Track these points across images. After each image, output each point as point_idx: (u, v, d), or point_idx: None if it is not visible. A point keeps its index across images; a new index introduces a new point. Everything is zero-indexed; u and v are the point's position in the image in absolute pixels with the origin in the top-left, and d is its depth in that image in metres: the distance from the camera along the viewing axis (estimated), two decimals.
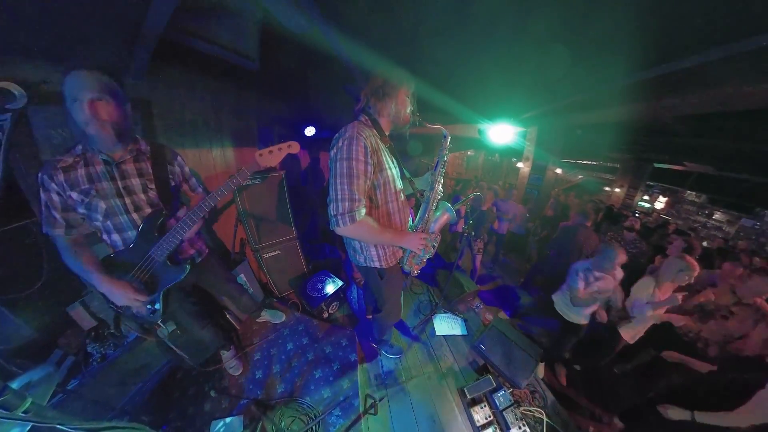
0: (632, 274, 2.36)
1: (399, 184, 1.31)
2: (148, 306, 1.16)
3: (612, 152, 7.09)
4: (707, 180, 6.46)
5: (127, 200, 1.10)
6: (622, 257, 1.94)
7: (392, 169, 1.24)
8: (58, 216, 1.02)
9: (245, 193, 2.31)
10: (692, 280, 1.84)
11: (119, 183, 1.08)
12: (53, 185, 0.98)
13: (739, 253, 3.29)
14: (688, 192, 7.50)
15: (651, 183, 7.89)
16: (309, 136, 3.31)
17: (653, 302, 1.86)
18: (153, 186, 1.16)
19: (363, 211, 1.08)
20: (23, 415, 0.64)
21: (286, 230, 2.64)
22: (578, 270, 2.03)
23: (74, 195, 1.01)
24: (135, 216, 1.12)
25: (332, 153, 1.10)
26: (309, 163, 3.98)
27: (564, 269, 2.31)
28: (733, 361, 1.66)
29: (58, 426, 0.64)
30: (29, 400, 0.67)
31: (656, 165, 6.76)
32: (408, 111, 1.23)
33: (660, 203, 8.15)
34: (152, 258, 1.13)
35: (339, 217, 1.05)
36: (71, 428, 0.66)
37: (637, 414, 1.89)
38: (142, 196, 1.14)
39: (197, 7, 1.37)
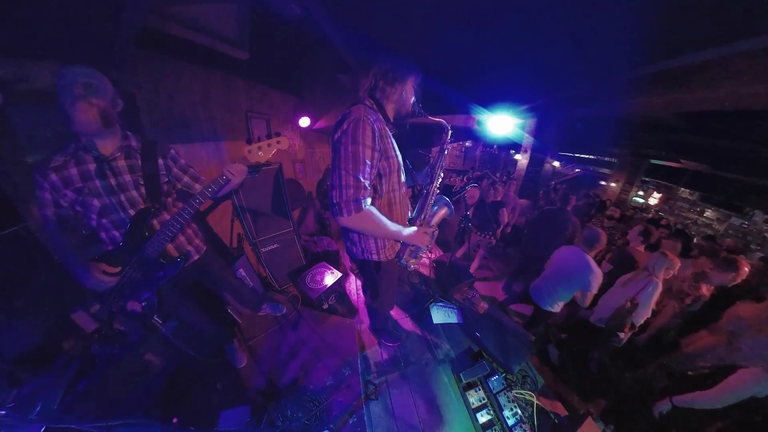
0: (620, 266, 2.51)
1: (403, 174, 1.27)
2: (143, 303, 1.17)
3: (610, 147, 7.12)
4: (701, 178, 6.57)
5: (122, 197, 1.10)
6: (603, 238, 2.08)
7: (398, 157, 1.20)
8: (49, 213, 1.03)
9: (240, 187, 2.26)
10: (675, 272, 2.03)
11: (112, 180, 1.08)
12: (45, 184, 0.99)
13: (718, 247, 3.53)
14: (682, 189, 7.63)
15: (646, 179, 8.00)
16: (303, 127, 3.22)
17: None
18: (143, 182, 1.14)
19: (369, 200, 1.03)
20: (35, 418, 0.66)
21: (284, 223, 2.63)
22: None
23: (69, 193, 1.02)
24: (131, 212, 1.12)
25: (336, 136, 1.03)
26: (304, 154, 3.90)
27: (539, 250, 2.39)
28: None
29: (72, 426, 0.66)
30: (39, 404, 0.69)
31: (653, 161, 6.84)
32: (412, 101, 1.20)
33: (654, 199, 8.30)
34: (144, 256, 1.13)
35: (342, 204, 0.98)
36: (84, 427, 0.68)
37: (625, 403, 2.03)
38: (135, 192, 1.13)
39: None
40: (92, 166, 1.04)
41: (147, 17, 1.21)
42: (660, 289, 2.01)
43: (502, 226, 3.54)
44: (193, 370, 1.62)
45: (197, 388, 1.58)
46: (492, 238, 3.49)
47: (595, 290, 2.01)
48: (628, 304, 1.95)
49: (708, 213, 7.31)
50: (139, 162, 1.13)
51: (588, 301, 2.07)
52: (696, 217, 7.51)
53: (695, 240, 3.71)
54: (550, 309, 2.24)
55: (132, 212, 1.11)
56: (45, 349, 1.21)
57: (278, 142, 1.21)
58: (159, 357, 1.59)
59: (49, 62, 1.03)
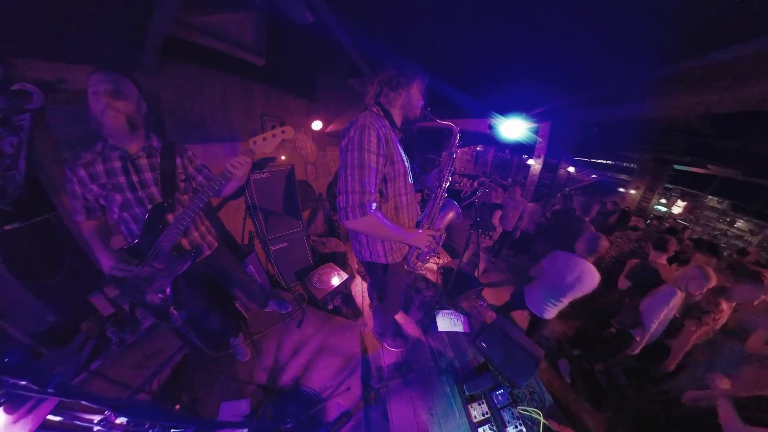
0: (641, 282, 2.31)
1: (410, 178, 1.28)
2: (160, 294, 1.23)
3: (629, 152, 6.72)
4: (732, 185, 5.99)
5: (141, 193, 1.17)
6: (603, 243, 1.93)
7: (404, 162, 1.21)
8: (78, 204, 1.13)
9: (254, 186, 2.36)
10: (703, 290, 1.83)
11: (134, 177, 1.15)
12: (75, 178, 1.09)
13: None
14: (710, 197, 7.00)
15: (669, 186, 7.44)
16: (316, 130, 3.32)
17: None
18: (161, 179, 1.21)
19: (374, 204, 1.06)
20: (52, 391, 0.72)
21: (294, 223, 2.70)
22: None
23: (95, 188, 1.11)
24: (150, 207, 1.19)
25: (343, 143, 1.08)
26: (316, 157, 4.00)
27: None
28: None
29: (83, 402, 0.71)
30: (57, 379, 0.75)
31: (676, 167, 6.39)
32: (420, 105, 1.22)
33: (678, 208, 7.65)
34: (158, 249, 1.19)
35: (348, 209, 1.03)
36: (95, 404, 0.72)
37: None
38: (154, 189, 1.19)
39: (201, 3, 1.37)
40: (117, 164, 1.12)
41: (172, 27, 1.31)
42: (678, 297, 1.85)
43: (497, 229, 3.58)
44: (198, 360, 1.68)
45: (201, 377, 1.63)
46: (488, 237, 3.46)
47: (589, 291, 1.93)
48: (627, 300, 1.83)
49: (739, 224, 6.56)
50: (159, 160, 1.20)
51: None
52: (726, 228, 6.77)
53: (725, 254, 3.36)
54: (547, 317, 2.15)
55: (150, 207, 1.18)
56: (65, 327, 1.31)
57: (283, 132, 1.19)
58: (168, 345, 1.66)
59: (85, 66, 1.15)
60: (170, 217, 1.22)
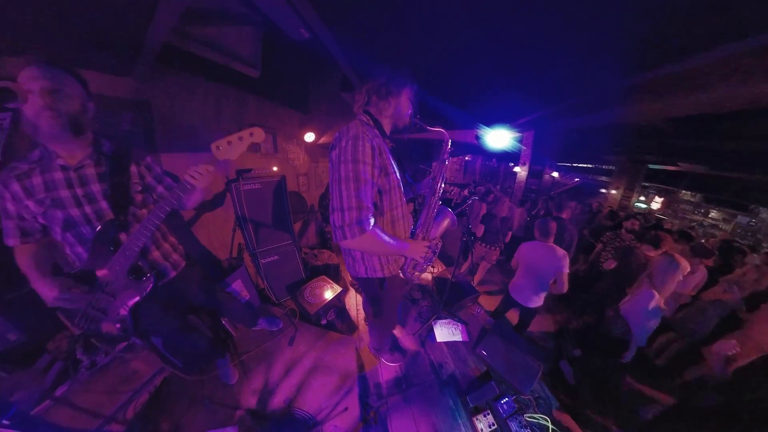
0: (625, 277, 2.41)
1: (403, 189, 1.25)
2: (117, 324, 1.05)
3: (607, 155, 7.28)
4: (702, 179, 6.63)
5: (88, 209, 0.98)
6: (553, 224, 2.17)
7: (396, 173, 1.18)
8: (11, 225, 0.94)
9: (244, 197, 2.30)
10: (680, 278, 1.93)
11: (78, 190, 0.96)
12: (7, 194, 0.91)
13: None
14: (684, 192, 7.65)
15: (646, 184, 8.07)
16: (308, 142, 3.35)
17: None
18: (111, 191, 1.02)
19: (372, 219, 0.98)
20: (6, 422, 0.61)
21: (285, 235, 2.62)
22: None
23: (31, 205, 0.92)
24: (98, 226, 1.00)
25: (334, 154, 1.01)
26: (308, 168, 4.01)
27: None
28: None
29: None
30: (14, 408, 0.64)
31: (651, 166, 6.95)
32: (409, 113, 1.22)
33: (656, 203, 8.32)
34: (112, 272, 1.01)
35: (346, 228, 0.94)
36: None
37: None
38: (104, 203, 1.01)
39: (201, 15, 1.40)
40: (58, 175, 0.94)
41: (169, 36, 1.32)
42: (656, 298, 1.93)
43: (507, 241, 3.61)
44: (180, 383, 1.51)
45: (183, 403, 1.46)
46: (498, 249, 3.47)
47: (566, 269, 2.05)
48: (610, 312, 1.90)
49: (713, 214, 7.24)
50: (109, 169, 1.02)
51: (566, 283, 2.06)
52: (701, 218, 7.43)
53: (703, 241, 3.55)
54: (534, 306, 2.29)
55: (99, 225, 0.99)
56: (27, 347, 1.12)
57: (251, 134, 1.01)
58: (146, 366, 1.50)
59: (78, 69, 1.10)
60: (124, 237, 1.03)
